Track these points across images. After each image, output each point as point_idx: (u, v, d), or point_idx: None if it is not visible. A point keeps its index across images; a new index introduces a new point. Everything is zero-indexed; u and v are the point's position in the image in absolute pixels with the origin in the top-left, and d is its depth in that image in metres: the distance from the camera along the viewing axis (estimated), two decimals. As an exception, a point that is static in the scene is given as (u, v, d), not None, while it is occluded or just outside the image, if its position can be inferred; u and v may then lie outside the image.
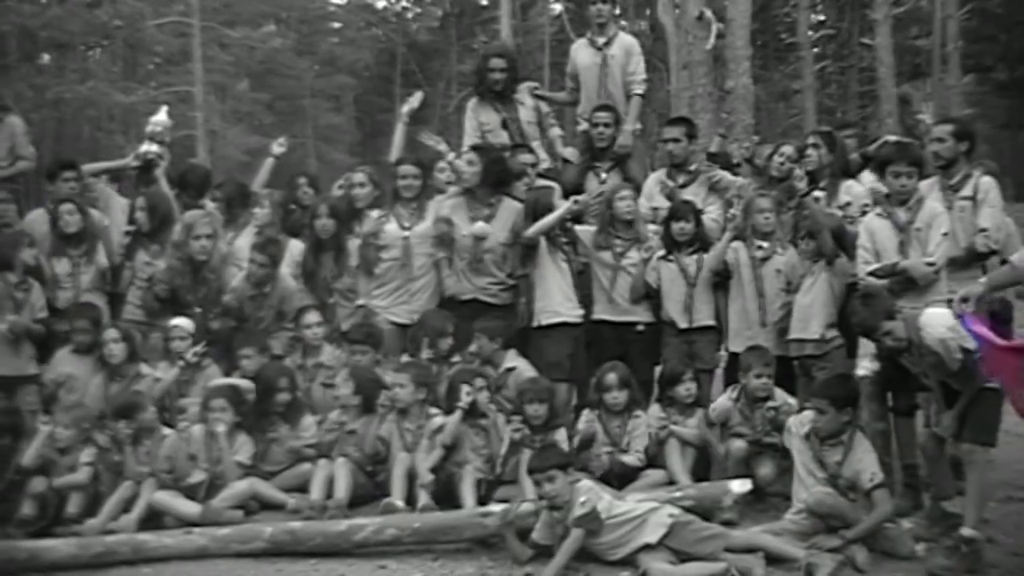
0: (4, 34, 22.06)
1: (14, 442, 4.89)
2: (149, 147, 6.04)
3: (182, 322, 5.44)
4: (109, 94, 21.61)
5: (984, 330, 3.92)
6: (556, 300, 5.42)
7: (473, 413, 4.92)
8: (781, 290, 5.25)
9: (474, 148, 5.82)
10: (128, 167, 6.19)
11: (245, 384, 5.21)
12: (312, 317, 5.51)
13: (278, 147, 6.43)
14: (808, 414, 4.49)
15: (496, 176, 5.60)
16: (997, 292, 4.28)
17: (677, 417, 5.10)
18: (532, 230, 5.39)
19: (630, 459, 4.95)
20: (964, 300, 3.99)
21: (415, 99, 6.19)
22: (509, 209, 5.63)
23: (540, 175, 5.88)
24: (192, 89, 21.46)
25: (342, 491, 4.82)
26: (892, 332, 4.29)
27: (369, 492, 4.93)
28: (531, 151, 5.94)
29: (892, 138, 6.11)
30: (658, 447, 5.02)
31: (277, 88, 25.95)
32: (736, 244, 5.38)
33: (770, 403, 4.89)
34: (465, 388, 4.89)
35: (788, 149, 5.59)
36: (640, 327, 5.50)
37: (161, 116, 6.20)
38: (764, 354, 5.04)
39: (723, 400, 5.06)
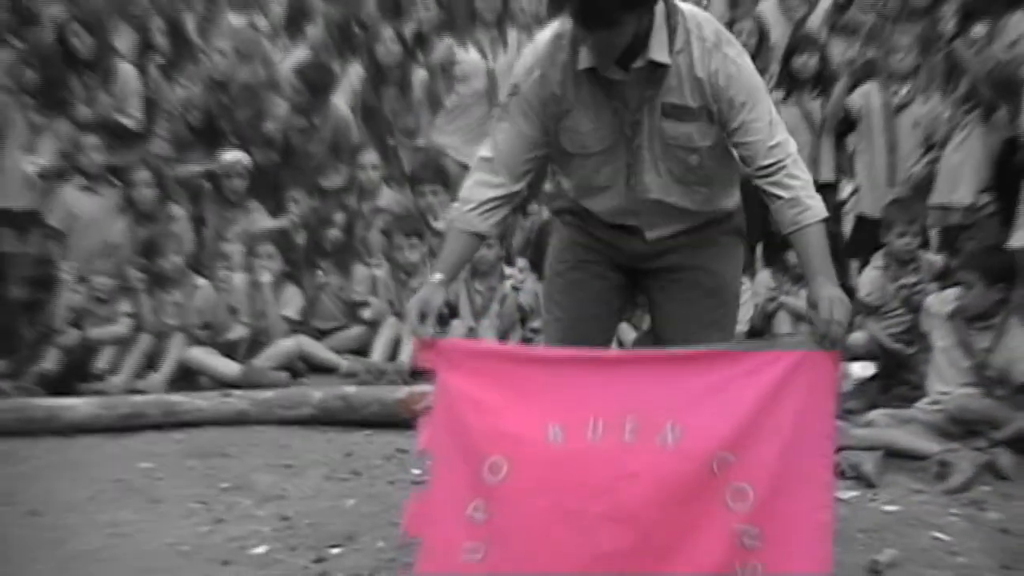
0: None
1: (46, 294, 4.56)
2: None
3: (236, 155, 4.92)
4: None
5: None
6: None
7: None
8: (918, 146, 4.62)
9: None
10: None
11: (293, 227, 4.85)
12: (370, 157, 5.03)
13: None
14: (953, 291, 3.93)
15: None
16: None
17: (789, 287, 4.58)
18: None
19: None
20: None
21: None
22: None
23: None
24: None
25: (406, 354, 4.44)
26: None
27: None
28: None
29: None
30: (765, 320, 4.54)
31: None
32: (868, 87, 4.71)
33: (901, 281, 4.28)
34: None
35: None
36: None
37: None
38: (909, 208, 4.40)
39: (871, 272, 4.41)
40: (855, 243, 4.85)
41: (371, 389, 4.14)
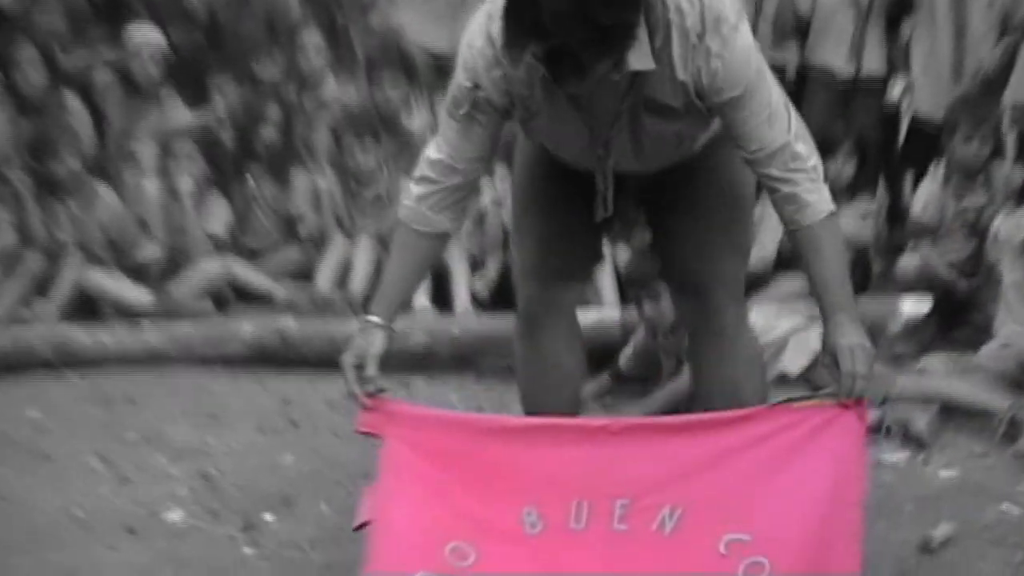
0: None
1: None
2: None
3: (148, 34, 4.91)
4: None
5: None
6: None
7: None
8: (991, 29, 4.59)
9: None
10: None
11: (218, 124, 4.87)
12: (313, 38, 5.03)
13: None
14: (1027, 215, 3.98)
15: None
16: None
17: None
18: None
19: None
20: None
21: None
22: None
23: None
24: None
25: (359, 280, 4.49)
26: None
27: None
28: None
29: None
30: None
31: None
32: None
33: (966, 199, 4.27)
34: None
35: None
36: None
37: None
38: (978, 107, 4.38)
39: (928, 187, 4.41)
40: (909, 151, 4.86)
41: (314, 323, 4.16)
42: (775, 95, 2.27)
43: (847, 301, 2.27)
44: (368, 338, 2.33)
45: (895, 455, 3.27)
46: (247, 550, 2.84)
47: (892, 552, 2.67)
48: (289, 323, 4.12)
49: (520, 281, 2.67)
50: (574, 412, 2.70)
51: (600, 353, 3.68)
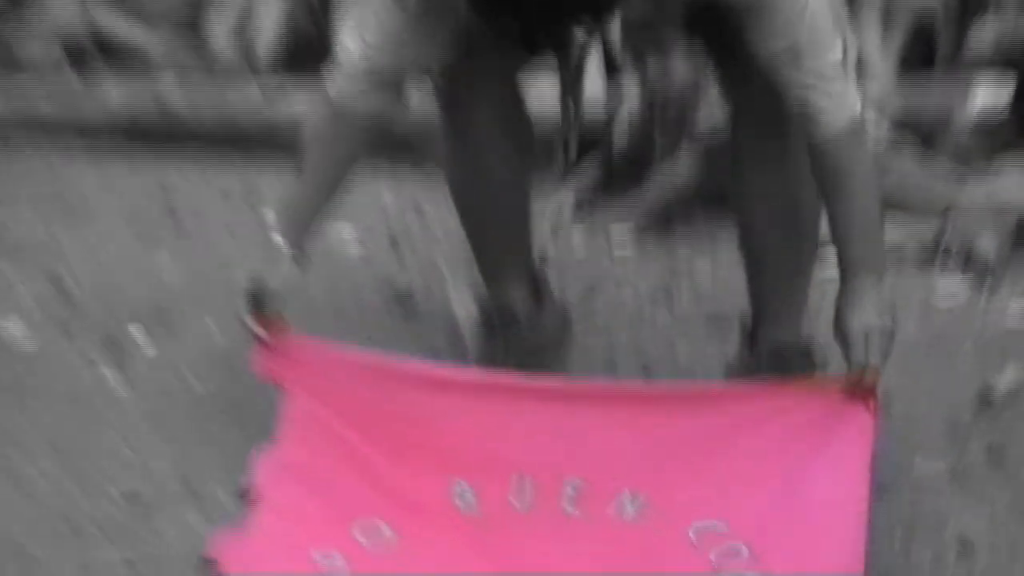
0: None
1: None
2: None
3: None
4: None
5: None
6: None
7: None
8: None
9: None
10: None
11: None
12: None
13: None
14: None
15: None
16: None
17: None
18: None
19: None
20: None
21: None
22: None
23: None
24: None
25: (265, 32, 4.34)
26: None
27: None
28: None
29: None
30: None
31: None
32: None
33: None
34: None
35: None
36: None
37: None
38: None
39: None
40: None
41: (204, 89, 4.11)
42: None
43: (872, 256, 2.25)
44: (274, 266, 2.32)
45: (954, 284, 3.27)
46: (109, 375, 2.81)
47: (944, 403, 2.66)
48: (170, 89, 4.09)
49: None
50: (521, 231, 2.69)
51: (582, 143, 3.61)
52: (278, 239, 2.36)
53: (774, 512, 2.24)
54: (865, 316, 2.24)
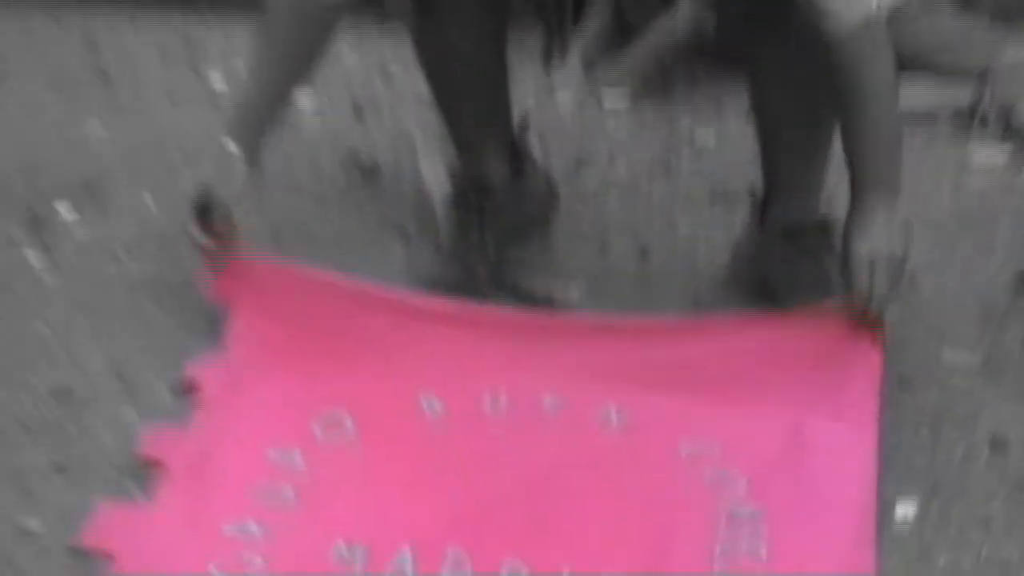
0: None
1: None
2: None
3: None
4: None
5: None
6: None
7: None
8: None
9: None
10: None
11: None
12: None
13: None
14: None
15: None
16: None
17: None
18: None
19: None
20: None
21: None
22: None
23: None
24: None
25: None
26: None
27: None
28: None
29: None
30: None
31: None
32: None
33: None
34: None
35: None
36: None
37: None
38: None
39: None
40: None
41: None
42: None
43: (886, 172, 2.24)
44: (225, 174, 2.31)
45: (991, 153, 3.23)
46: (33, 258, 2.79)
47: (978, 286, 2.64)
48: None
49: None
50: (498, 96, 2.67)
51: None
52: (229, 143, 2.33)
53: (777, 459, 2.25)
54: (873, 240, 2.23)
